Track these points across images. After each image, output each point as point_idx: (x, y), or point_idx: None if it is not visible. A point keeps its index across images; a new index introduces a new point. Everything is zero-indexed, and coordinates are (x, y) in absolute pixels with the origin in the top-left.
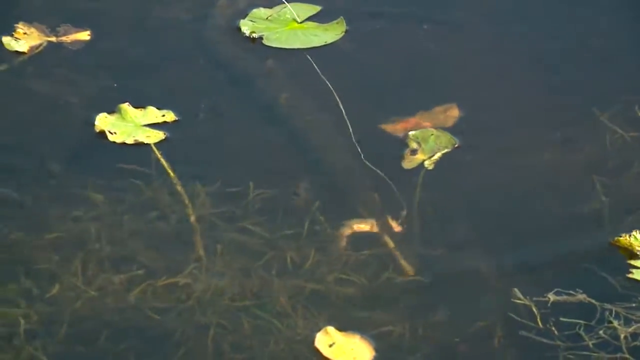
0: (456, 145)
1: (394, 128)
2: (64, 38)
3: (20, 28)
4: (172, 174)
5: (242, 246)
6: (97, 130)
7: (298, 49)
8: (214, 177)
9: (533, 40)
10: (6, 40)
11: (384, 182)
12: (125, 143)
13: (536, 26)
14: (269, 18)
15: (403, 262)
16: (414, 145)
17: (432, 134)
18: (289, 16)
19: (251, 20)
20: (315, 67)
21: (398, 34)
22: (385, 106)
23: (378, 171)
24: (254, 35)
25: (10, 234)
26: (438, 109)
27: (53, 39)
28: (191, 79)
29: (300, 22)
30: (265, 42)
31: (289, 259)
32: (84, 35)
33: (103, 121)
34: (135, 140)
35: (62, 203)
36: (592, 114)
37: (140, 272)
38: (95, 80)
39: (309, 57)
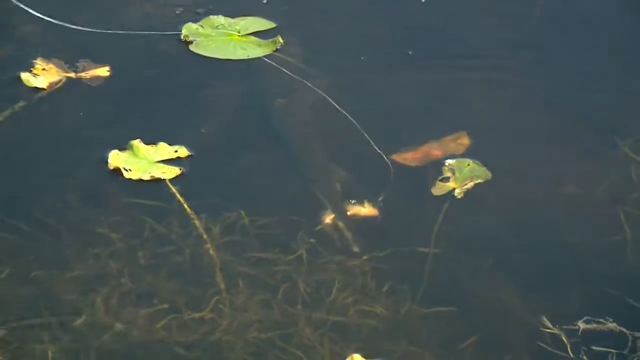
0: (490, 178)
1: (404, 157)
2: (83, 74)
3: (39, 64)
4: (188, 208)
5: (261, 277)
6: (112, 168)
7: (220, 59)
8: (230, 209)
9: (548, 67)
10: (25, 76)
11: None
12: (141, 179)
13: (551, 53)
14: (218, 27)
15: (427, 291)
16: (447, 173)
17: (468, 164)
18: (238, 27)
19: (201, 26)
20: (331, 100)
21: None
22: (393, 136)
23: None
24: (187, 39)
25: (31, 271)
26: (448, 137)
27: (72, 74)
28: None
29: (243, 35)
30: (191, 48)
31: (309, 290)
32: (104, 71)
33: (115, 158)
34: (151, 176)
35: (80, 239)
36: (613, 143)
37: (163, 306)
38: (112, 115)
39: (325, 96)
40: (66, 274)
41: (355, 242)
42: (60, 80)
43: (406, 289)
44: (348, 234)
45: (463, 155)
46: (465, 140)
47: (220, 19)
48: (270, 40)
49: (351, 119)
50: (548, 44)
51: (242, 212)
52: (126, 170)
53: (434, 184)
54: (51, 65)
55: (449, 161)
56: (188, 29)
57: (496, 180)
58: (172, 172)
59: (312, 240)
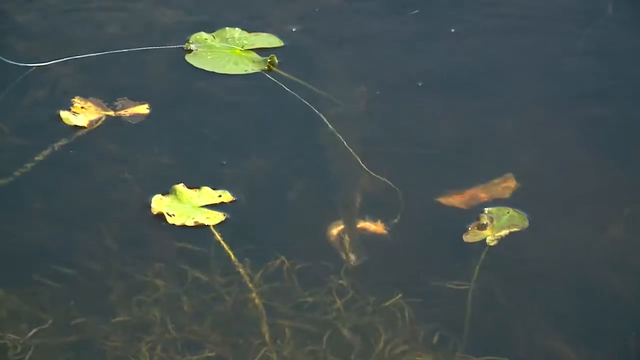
0: (527, 226)
1: (450, 201)
2: (122, 112)
3: (77, 102)
4: (232, 255)
5: (307, 327)
6: (155, 213)
7: (211, 72)
8: (272, 255)
9: (595, 111)
10: (65, 114)
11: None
12: (184, 225)
13: (592, 96)
14: (229, 39)
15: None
16: (485, 220)
17: (507, 212)
18: (246, 42)
19: (213, 36)
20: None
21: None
22: (439, 178)
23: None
24: (190, 47)
25: (75, 317)
26: (495, 180)
27: (111, 113)
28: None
29: (245, 50)
30: (187, 58)
31: (355, 339)
32: (143, 109)
33: (159, 203)
34: (195, 222)
35: (123, 286)
36: None
37: (210, 354)
38: (154, 156)
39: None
40: (110, 321)
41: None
42: (100, 119)
43: (448, 335)
44: None
45: (509, 200)
46: (511, 184)
47: (234, 32)
48: (264, 58)
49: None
50: (596, 80)
51: (284, 258)
52: (169, 215)
53: (467, 231)
54: (89, 104)
55: (488, 209)
56: (197, 38)
57: (535, 227)
58: (216, 217)
59: (342, 282)
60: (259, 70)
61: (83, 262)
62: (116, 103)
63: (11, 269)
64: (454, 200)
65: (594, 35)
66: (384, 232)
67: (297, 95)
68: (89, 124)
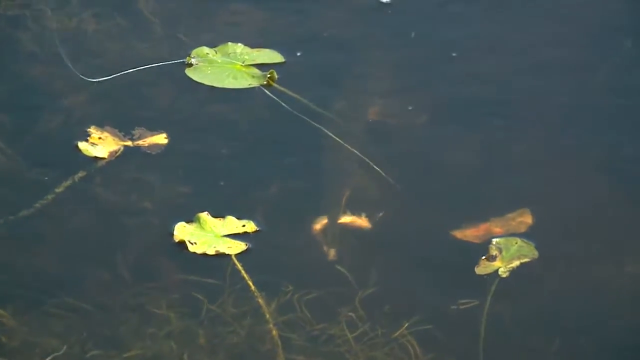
0: (536, 257)
1: (465, 234)
2: (140, 142)
3: (94, 133)
4: (252, 286)
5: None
6: (177, 240)
7: (210, 86)
8: (295, 288)
9: (611, 144)
10: (83, 146)
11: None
12: (205, 254)
13: (610, 130)
14: (231, 54)
15: None
16: (494, 252)
17: (516, 243)
18: (247, 57)
19: (215, 51)
20: (382, 172)
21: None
22: (454, 212)
23: None
24: (191, 61)
25: (88, 351)
26: (510, 214)
27: (129, 143)
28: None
29: (246, 65)
30: (187, 71)
31: None
32: (161, 139)
33: (182, 231)
34: (216, 251)
35: (137, 317)
36: None
37: None
38: (175, 186)
39: (384, 175)
40: (123, 354)
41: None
42: (118, 149)
43: None
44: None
45: (525, 234)
46: (527, 218)
47: (237, 47)
48: (264, 73)
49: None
50: (612, 115)
51: (292, 289)
52: (191, 243)
53: (478, 263)
54: (106, 134)
55: (496, 240)
56: (198, 53)
57: (546, 259)
58: (238, 247)
59: (355, 313)
60: (258, 85)
61: (98, 294)
62: (133, 132)
63: (26, 299)
64: (469, 234)
65: (613, 68)
66: (368, 225)
67: (308, 119)
68: (109, 155)
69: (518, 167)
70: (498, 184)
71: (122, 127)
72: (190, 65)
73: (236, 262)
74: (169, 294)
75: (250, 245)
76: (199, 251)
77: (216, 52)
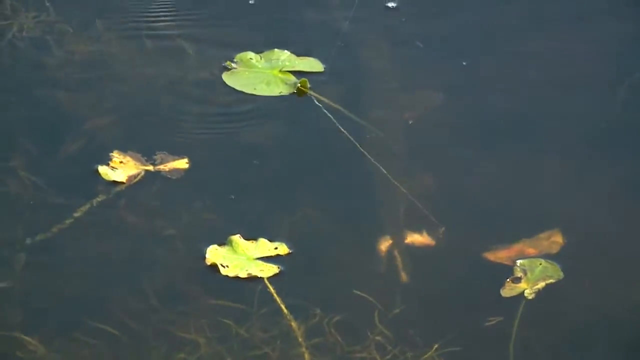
0: (562, 278)
1: (497, 256)
2: (161, 167)
3: (116, 157)
4: (285, 310)
5: None
6: (209, 263)
7: (243, 92)
8: (328, 311)
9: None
10: (103, 170)
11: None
12: (238, 277)
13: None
14: (273, 60)
15: None
16: (519, 273)
17: (540, 264)
18: (288, 64)
19: (260, 57)
20: (422, 207)
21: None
22: (486, 233)
23: None
24: (230, 65)
25: None
26: (542, 235)
27: (150, 167)
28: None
29: (283, 71)
30: (224, 76)
31: None
32: (183, 164)
33: (214, 254)
34: (249, 274)
35: (166, 341)
36: None
37: None
38: (197, 210)
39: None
40: None
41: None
42: (139, 174)
43: None
44: None
45: (557, 255)
46: (558, 238)
47: (283, 54)
48: (295, 81)
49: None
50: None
51: (322, 313)
52: (223, 266)
53: (503, 286)
54: (128, 158)
55: (520, 261)
56: (242, 57)
57: (578, 281)
58: (270, 270)
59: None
60: (289, 93)
61: (124, 319)
62: (155, 157)
63: (51, 326)
64: (501, 255)
65: (635, 85)
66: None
67: (343, 129)
68: (128, 180)
69: (549, 186)
70: (527, 202)
71: (146, 151)
72: (229, 69)
73: (269, 285)
74: (200, 319)
75: (282, 268)
76: (231, 274)
77: (260, 58)
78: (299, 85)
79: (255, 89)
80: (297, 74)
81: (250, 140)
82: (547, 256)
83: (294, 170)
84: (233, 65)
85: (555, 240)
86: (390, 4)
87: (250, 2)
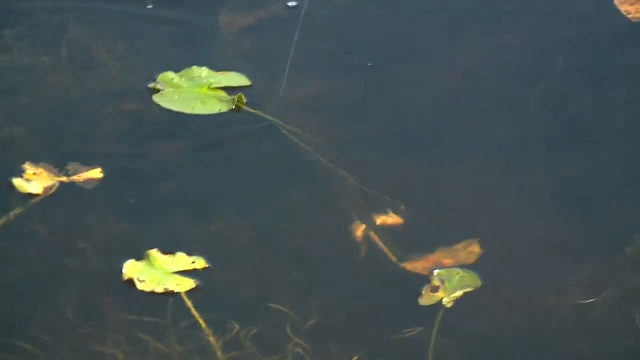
0: (480, 286)
1: (414, 266)
2: (75, 177)
3: (28, 168)
4: (203, 323)
5: None
6: (125, 278)
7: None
8: (247, 325)
9: (560, 169)
10: (17, 182)
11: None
12: (154, 291)
13: (564, 153)
14: (195, 78)
15: None
16: (436, 282)
17: (457, 273)
18: (212, 80)
19: (180, 75)
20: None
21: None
22: (403, 243)
23: None
24: (156, 87)
25: None
26: (459, 245)
27: (64, 178)
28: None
29: (212, 89)
30: (155, 97)
31: None
32: (96, 173)
33: (131, 268)
34: (165, 288)
35: (82, 357)
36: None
37: None
38: (114, 223)
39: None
40: None
41: None
42: (53, 185)
43: None
44: None
45: (474, 265)
46: (475, 248)
47: (202, 71)
48: (232, 97)
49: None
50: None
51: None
52: (140, 281)
53: (421, 295)
54: (41, 170)
55: (437, 271)
56: (164, 78)
57: (489, 287)
58: (186, 284)
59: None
60: (226, 110)
61: (39, 334)
62: (67, 168)
63: None
64: (418, 265)
65: (547, 90)
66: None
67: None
68: (43, 191)
69: (462, 195)
70: (442, 213)
71: (60, 162)
72: (158, 90)
73: (185, 299)
74: (117, 333)
75: (199, 283)
76: (147, 289)
77: (181, 77)
78: (236, 101)
79: (193, 108)
80: (226, 89)
81: (166, 152)
82: (465, 266)
83: (213, 181)
84: (158, 86)
85: (473, 250)
86: (291, 3)
87: (148, 6)
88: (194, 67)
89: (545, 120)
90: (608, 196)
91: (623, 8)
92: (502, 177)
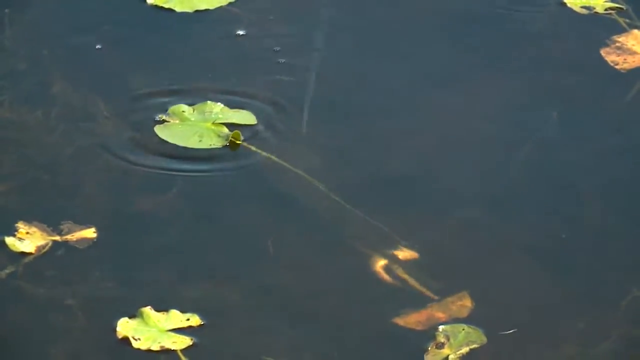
0: (485, 342)
1: (407, 321)
2: (68, 237)
3: (22, 227)
4: None
5: None
6: (120, 337)
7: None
8: None
9: (548, 220)
10: (10, 241)
11: None
12: (150, 349)
13: (551, 207)
14: (206, 113)
15: None
16: (441, 339)
17: (463, 329)
18: (221, 116)
19: (192, 109)
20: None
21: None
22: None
23: None
24: (163, 118)
25: None
26: (450, 298)
27: (57, 238)
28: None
29: (216, 124)
30: (157, 129)
31: None
32: (90, 233)
33: (125, 326)
34: (161, 346)
35: None
36: (616, 302)
37: None
38: (107, 281)
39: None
40: None
41: None
42: (46, 244)
43: None
44: None
45: (466, 318)
46: (467, 302)
47: (216, 107)
48: (228, 133)
49: None
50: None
51: None
52: (135, 339)
53: (427, 351)
54: (34, 229)
55: (442, 327)
56: (175, 110)
57: (494, 344)
58: (183, 342)
59: None
60: (221, 146)
61: None
62: (61, 227)
63: None
64: (411, 320)
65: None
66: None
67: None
68: (36, 250)
69: (452, 247)
70: (432, 267)
71: (51, 220)
72: (162, 122)
73: (182, 357)
74: None
75: (195, 340)
76: (143, 347)
77: (193, 111)
78: (231, 137)
79: (187, 141)
80: (230, 126)
81: (151, 207)
82: (457, 320)
83: (206, 236)
84: (165, 117)
85: (464, 304)
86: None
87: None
88: (209, 102)
89: (533, 170)
90: (599, 252)
91: (610, 59)
92: (491, 228)
